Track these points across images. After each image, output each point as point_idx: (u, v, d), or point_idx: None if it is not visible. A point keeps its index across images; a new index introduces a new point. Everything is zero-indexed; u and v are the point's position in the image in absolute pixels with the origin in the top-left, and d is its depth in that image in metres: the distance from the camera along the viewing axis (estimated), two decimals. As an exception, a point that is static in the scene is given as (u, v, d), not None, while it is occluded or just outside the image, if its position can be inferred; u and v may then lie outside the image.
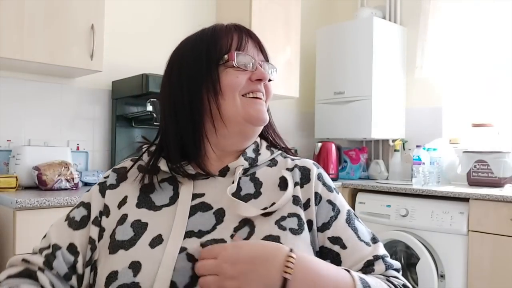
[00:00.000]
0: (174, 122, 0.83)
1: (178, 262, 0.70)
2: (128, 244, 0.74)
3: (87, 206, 0.85)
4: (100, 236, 0.80)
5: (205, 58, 0.81)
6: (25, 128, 2.34)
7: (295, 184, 0.83)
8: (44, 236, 0.85)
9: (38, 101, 2.38)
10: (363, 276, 0.73)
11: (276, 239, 0.73)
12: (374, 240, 0.83)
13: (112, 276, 0.71)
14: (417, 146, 2.95)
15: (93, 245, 0.80)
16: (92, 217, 0.82)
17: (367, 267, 0.78)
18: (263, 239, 0.73)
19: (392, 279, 0.78)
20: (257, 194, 0.81)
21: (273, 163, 0.88)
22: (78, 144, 2.50)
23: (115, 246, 0.75)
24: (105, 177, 0.88)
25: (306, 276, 0.67)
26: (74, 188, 2.14)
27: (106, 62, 2.30)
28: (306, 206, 0.81)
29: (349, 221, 0.83)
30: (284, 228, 0.76)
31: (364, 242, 0.81)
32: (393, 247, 2.74)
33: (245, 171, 0.85)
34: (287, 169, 0.86)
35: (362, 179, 3.34)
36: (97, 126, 2.59)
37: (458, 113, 3.17)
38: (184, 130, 0.83)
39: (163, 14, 2.85)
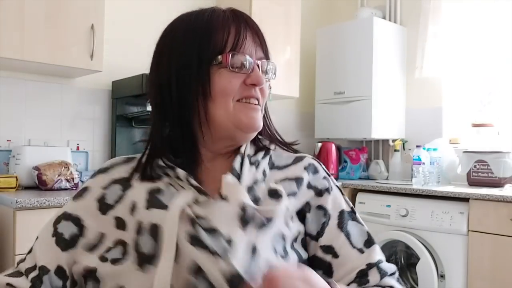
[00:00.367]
0: (163, 119, 0.78)
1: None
2: (154, 259, 0.68)
3: (76, 222, 0.78)
4: (104, 259, 0.73)
5: (197, 55, 0.74)
6: (25, 128, 2.34)
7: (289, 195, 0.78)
8: (30, 251, 0.80)
9: (38, 101, 2.38)
10: None
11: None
12: (369, 243, 0.79)
13: None
14: (417, 146, 2.95)
15: (92, 275, 0.73)
16: (86, 241, 0.76)
17: (361, 278, 0.75)
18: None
19: None
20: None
21: (263, 175, 0.80)
22: (78, 144, 2.50)
23: (144, 259, 0.69)
24: (103, 188, 0.80)
25: None
26: (74, 188, 2.14)
27: (106, 62, 2.30)
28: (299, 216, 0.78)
29: (341, 225, 0.79)
30: (277, 250, 0.71)
31: (357, 249, 0.77)
32: (393, 247, 2.74)
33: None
34: (280, 179, 0.80)
35: (362, 179, 3.34)
36: (97, 126, 2.59)
37: (458, 113, 3.16)
38: (173, 129, 0.78)
39: (163, 14, 2.84)
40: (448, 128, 3.17)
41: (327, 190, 0.81)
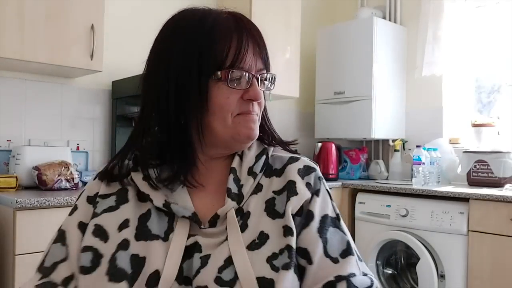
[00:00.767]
0: (156, 123, 0.78)
1: None
2: (131, 279, 0.70)
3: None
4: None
5: (197, 67, 0.73)
6: (25, 128, 2.34)
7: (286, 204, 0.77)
8: (46, 255, 0.79)
9: (38, 101, 2.38)
10: None
11: (270, 282, 0.69)
12: (345, 253, 0.74)
13: None
14: (417, 146, 2.95)
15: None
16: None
17: None
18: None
19: None
20: (243, 227, 0.75)
21: (257, 189, 0.79)
22: (78, 144, 2.50)
23: (119, 275, 0.70)
24: (102, 197, 0.80)
25: None
26: (74, 188, 2.14)
27: (106, 62, 2.30)
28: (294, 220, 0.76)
29: (321, 230, 0.75)
30: (277, 269, 0.70)
31: (331, 258, 0.73)
32: (393, 247, 2.74)
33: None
34: (274, 191, 0.79)
35: (362, 179, 3.34)
36: (97, 126, 2.59)
37: (458, 113, 3.16)
38: (168, 135, 0.77)
39: (163, 13, 2.84)
40: (448, 128, 3.17)
41: (316, 192, 0.79)
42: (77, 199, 0.83)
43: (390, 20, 3.39)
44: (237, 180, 0.79)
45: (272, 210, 0.76)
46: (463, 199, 2.42)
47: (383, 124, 3.16)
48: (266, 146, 0.85)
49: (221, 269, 0.70)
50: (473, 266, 2.36)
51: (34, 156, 2.15)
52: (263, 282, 0.69)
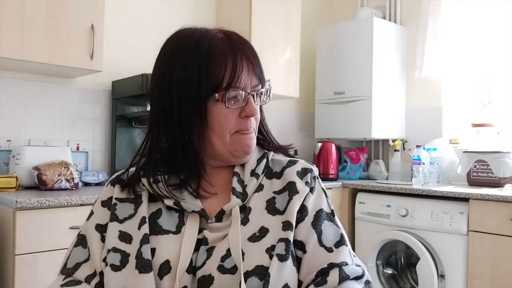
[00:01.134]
0: (162, 136, 0.84)
1: None
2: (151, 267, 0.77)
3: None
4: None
5: (196, 89, 0.79)
6: (25, 128, 2.34)
7: (286, 204, 0.83)
8: (68, 257, 0.85)
9: (38, 101, 2.38)
10: None
11: (266, 269, 0.74)
12: (339, 243, 0.80)
13: None
14: (417, 146, 2.95)
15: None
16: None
17: (321, 277, 0.76)
18: (253, 268, 0.74)
19: None
20: (245, 221, 0.81)
21: (259, 188, 0.86)
22: (78, 144, 2.50)
23: (147, 266, 0.76)
24: (119, 200, 0.86)
25: None
26: (74, 188, 2.14)
27: (106, 62, 2.30)
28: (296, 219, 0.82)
29: (315, 223, 0.82)
30: (272, 256, 0.76)
31: (325, 247, 0.79)
32: (393, 247, 2.74)
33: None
34: (274, 192, 0.85)
35: (362, 179, 3.34)
36: (97, 126, 2.59)
37: (458, 113, 3.17)
38: (174, 148, 0.83)
39: (163, 14, 2.85)
40: (448, 128, 3.17)
41: (311, 190, 0.86)
42: (92, 206, 0.91)
43: (390, 20, 3.39)
44: (241, 181, 0.86)
45: (272, 208, 0.83)
46: (463, 199, 2.42)
47: (383, 124, 3.16)
48: (266, 151, 0.92)
49: (223, 258, 0.76)
50: (473, 266, 2.36)
51: (34, 156, 2.15)
52: (261, 270, 0.74)
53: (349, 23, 3.29)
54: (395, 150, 3.24)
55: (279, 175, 0.87)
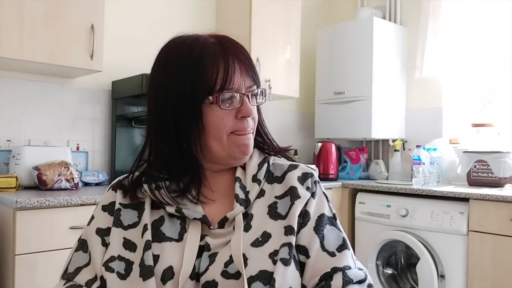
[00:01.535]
0: (161, 143, 0.85)
1: None
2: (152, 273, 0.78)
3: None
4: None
5: (190, 94, 0.80)
6: (25, 128, 2.34)
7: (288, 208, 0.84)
8: (69, 261, 0.86)
9: (38, 101, 2.38)
10: None
11: (271, 275, 0.75)
12: (342, 247, 0.81)
13: None
14: (417, 146, 2.95)
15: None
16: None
17: (324, 281, 0.77)
18: (257, 273, 0.75)
19: None
20: (247, 227, 0.82)
21: (261, 194, 0.87)
22: (78, 144, 2.50)
23: (149, 272, 0.77)
24: (123, 206, 0.87)
25: None
26: (74, 188, 2.14)
27: (106, 62, 2.30)
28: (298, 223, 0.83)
29: (317, 228, 0.82)
30: (276, 262, 0.77)
31: (328, 251, 0.80)
32: (393, 247, 2.74)
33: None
34: (276, 196, 0.86)
35: (362, 179, 3.34)
36: (97, 126, 2.59)
37: (458, 113, 3.17)
38: (173, 154, 0.84)
39: (163, 14, 2.85)
40: (448, 128, 3.17)
41: (313, 195, 0.86)
42: (94, 211, 0.91)
43: (390, 20, 3.39)
44: (243, 187, 0.86)
45: (274, 213, 0.84)
46: (463, 199, 2.42)
47: (383, 124, 3.16)
48: (266, 155, 0.93)
49: (226, 264, 0.77)
50: (473, 266, 2.36)
51: (34, 156, 2.14)
52: (265, 275, 0.75)
53: (349, 23, 3.29)
54: (395, 150, 3.24)
55: (280, 179, 0.88)
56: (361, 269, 0.81)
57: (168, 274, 0.77)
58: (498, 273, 2.27)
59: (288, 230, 0.80)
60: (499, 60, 2.99)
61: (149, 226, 0.82)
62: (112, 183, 0.93)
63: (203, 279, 0.76)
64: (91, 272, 0.82)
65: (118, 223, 0.85)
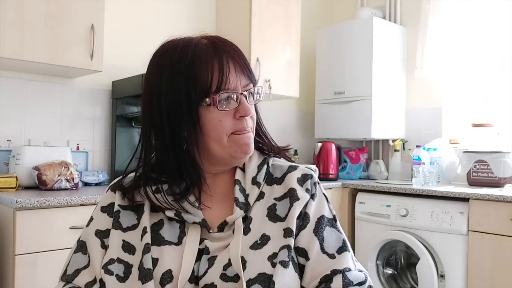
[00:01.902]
0: (164, 152, 0.83)
1: None
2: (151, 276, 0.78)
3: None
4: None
5: (185, 97, 0.79)
6: (25, 128, 2.34)
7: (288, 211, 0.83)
8: (68, 264, 0.85)
9: (38, 101, 2.38)
10: None
11: (270, 278, 0.75)
12: (342, 249, 0.81)
13: None
14: (417, 146, 2.95)
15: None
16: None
17: (324, 284, 0.77)
18: (256, 276, 0.75)
19: None
20: (246, 230, 0.81)
21: (260, 196, 0.86)
22: (78, 144, 2.50)
23: (147, 275, 0.77)
24: (122, 207, 0.86)
25: None
26: (74, 188, 2.14)
27: (106, 62, 2.30)
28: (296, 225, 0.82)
29: (316, 230, 0.82)
30: (274, 264, 0.76)
31: (328, 254, 0.80)
32: (393, 247, 2.74)
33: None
34: (275, 198, 0.85)
35: (362, 179, 3.34)
36: (97, 126, 2.59)
37: (458, 113, 3.16)
38: (170, 158, 0.83)
39: (163, 14, 2.85)
40: (448, 128, 3.17)
41: (312, 196, 0.86)
42: (92, 212, 0.91)
43: (390, 20, 3.39)
44: (242, 190, 0.85)
45: (273, 215, 0.83)
46: (463, 199, 2.42)
47: (383, 124, 3.16)
48: (266, 156, 0.92)
49: (225, 267, 0.77)
50: (473, 266, 2.36)
51: (34, 156, 2.14)
52: (264, 278, 0.75)
53: (349, 23, 3.29)
54: (395, 150, 3.24)
55: (279, 181, 0.87)
56: (361, 271, 0.81)
57: (167, 277, 0.77)
58: (498, 273, 2.27)
59: (287, 232, 0.80)
60: (499, 60, 2.99)
61: (148, 229, 0.82)
62: (111, 183, 0.93)
63: (202, 282, 0.76)
64: (90, 274, 0.82)
65: (117, 225, 0.85)
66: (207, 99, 0.79)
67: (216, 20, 3.09)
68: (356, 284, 0.77)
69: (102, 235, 0.85)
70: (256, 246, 0.79)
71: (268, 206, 0.84)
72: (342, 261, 0.79)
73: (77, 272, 0.83)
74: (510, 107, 2.92)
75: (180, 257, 0.79)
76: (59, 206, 1.81)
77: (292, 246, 0.79)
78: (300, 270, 0.80)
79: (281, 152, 0.94)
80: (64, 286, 0.83)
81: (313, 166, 2.75)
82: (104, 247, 0.84)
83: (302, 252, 0.80)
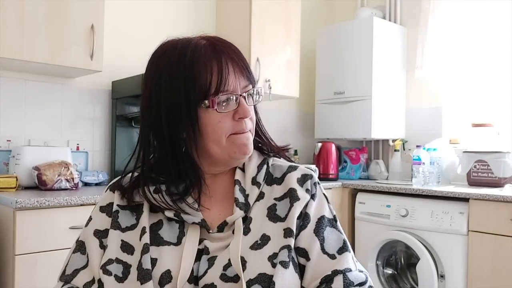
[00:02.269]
0: (163, 153, 0.83)
1: None
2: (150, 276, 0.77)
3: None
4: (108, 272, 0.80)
5: (184, 99, 0.78)
6: (25, 128, 2.34)
7: (288, 211, 0.83)
8: (67, 263, 0.85)
9: (38, 101, 2.38)
10: None
11: (270, 278, 0.75)
12: (342, 250, 0.81)
13: None
14: (417, 146, 2.95)
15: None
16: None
17: (325, 284, 0.77)
18: (256, 276, 0.74)
19: None
20: (246, 231, 0.81)
21: (260, 196, 0.86)
22: (78, 144, 2.50)
23: (146, 275, 0.76)
24: (121, 207, 0.86)
25: None
26: (74, 188, 2.14)
27: (106, 62, 2.30)
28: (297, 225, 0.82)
29: (317, 230, 0.82)
30: (275, 265, 0.76)
31: (328, 254, 0.80)
32: (393, 247, 2.74)
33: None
34: (275, 198, 0.85)
35: (362, 179, 3.34)
36: (97, 126, 2.59)
37: (458, 113, 3.16)
38: (169, 159, 0.83)
39: (163, 14, 2.85)
40: (448, 128, 3.17)
41: (312, 196, 0.85)
42: (91, 212, 0.90)
43: (390, 20, 3.39)
44: (242, 190, 0.85)
45: (273, 215, 0.83)
46: (463, 199, 2.42)
47: (383, 124, 3.16)
48: (265, 157, 0.92)
49: (225, 267, 0.76)
50: (473, 266, 2.36)
51: (34, 156, 2.14)
52: (264, 278, 0.75)
53: (349, 23, 3.29)
54: (395, 150, 3.24)
55: (279, 181, 0.87)
56: (361, 271, 0.81)
57: (166, 277, 0.76)
58: (498, 273, 2.27)
59: (287, 233, 0.80)
60: (499, 60, 2.99)
61: (147, 229, 0.82)
62: (110, 183, 0.92)
63: (202, 282, 0.76)
64: (89, 274, 0.82)
65: (116, 225, 0.84)
66: (206, 101, 0.78)
67: (216, 20, 3.09)
68: (357, 285, 0.77)
69: (101, 235, 0.85)
70: (256, 246, 0.78)
71: (268, 206, 0.84)
72: (342, 261, 0.79)
73: (76, 272, 0.83)
74: (510, 107, 2.92)
75: (179, 257, 0.78)
76: (59, 206, 1.81)
77: (292, 246, 0.79)
78: (301, 270, 0.80)
79: (280, 152, 0.94)
80: (62, 286, 0.82)
81: (313, 166, 2.76)
82: (103, 247, 0.83)
83: (302, 253, 0.80)
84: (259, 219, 0.82)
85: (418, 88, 3.28)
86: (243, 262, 0.76)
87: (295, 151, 3.35)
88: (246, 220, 0.82)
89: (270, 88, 2.90)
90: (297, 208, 0.82)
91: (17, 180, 2.04)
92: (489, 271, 2.30)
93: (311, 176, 0.88)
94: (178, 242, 0.81)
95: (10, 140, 2.27)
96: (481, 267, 2.32)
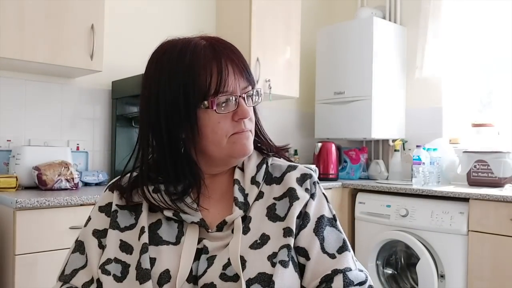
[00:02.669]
0: (161, 154, 0.83)
1: None
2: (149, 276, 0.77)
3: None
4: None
5: (183, 100, 0.78)
6: (25, 128, 2.34)
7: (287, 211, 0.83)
8: (66, 263, 0.85)
9: (38, 101, 2.38)
10: None
11: (270, 277, 0.75)
12: (342, 249, 0.81)
13: None
14: (417, 146, 2.95)
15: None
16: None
17: (325, 283, 0.77)
18: (256, 276, 0.74)
19: None
20: (246, 230, 0.81)
21: (259, 196, 0.86)
22: (78, 144, 2.50)
23: (145, 275, 0.76)
24: (120, 207, 0.86)
25: None
26: (74, 188, 2.14)
27: (106, 62, 2.30)
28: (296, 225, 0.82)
29: (317, 229, 0.82)
30: (274, 264, 0.76)
31: (328, 253, 0.80)
32: (393, 247, 2.74)
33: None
34: (274, 198, 0.85)
35: (362, 179, 3.34)
36: (97, 126, 2.59)
37: (458, 113, 3.17)
38: (167, 160, 0.82)
39: (163, 14, 2.85)
40: (448, 128, 3.17)
41: (312, 196, 0.85)
42: (91, 211, 0.90)
43: (390, 20, 3.39)
44: (242, 190, 0.85)
45: (273, 215, 0.83)
46: (463, 199, 2.42)
47: (383, 124, 3.16)
48: (265, 156, 0.91)
49: (225, 267, 0.76)
50: (473, 266, 2.36)
51: (34, 156, 2.14)
52: (263, 277, 0.75)
53: (349, 23, 3.29)
54: (395, 150, 3.24)
55: (279, 180, 0.87)
56: (361, 271, 0.81)
57: (165, 277, 0.76)
58: (498, 273, 2.27)
59: (287, 232, 0.79)
60: (499, 60, 2.99)
61: (146, 229, 0.82)
62: (110, 183, 0.92)
63: (201, 281, 0.76)
64: (88, 274, 0.82)
65: (114, 225, 0.84)
66: (206, 102, 0.78)
67: (216, 20, 3.10)
68: (357, 284, 0.77)
69: (100, 235, 0.85)
70: (255, 245, 0.78)
71: (268, 205, 0.84)
72: (342, 260, 0.79)
73: (75, 272, 0.83)
74: (510, 107, 2.93)
75: (178, 256, 0.78)
76: (59, 206, 1.81)
77: (292, 245, 0.79)
78: (300, 270, 0.80)
79: (280, 151, 0.94)
80: (61, 286, 0.82)
81: (313, 166, 2.76)
82: (102, 247, 0.83)
83: (302, 252, 0.80)
84: (258, 219, 0.82)
85: (418, 88, 3.28)
86: (243, 261, 0.76)
87: (295, 151, 3.35)
88: (246, 219, 0.82)
89: (270, 88, 2.90)
90: (297, 208, 0.82)
91: (17, 180, 2.05)
92: (489, 271, 2.30)
93: (310, 176, 0.88)
94: (177, 242, 0.81)
95: (10, 140, 2.27)
96: (481, 267, 2.32)
